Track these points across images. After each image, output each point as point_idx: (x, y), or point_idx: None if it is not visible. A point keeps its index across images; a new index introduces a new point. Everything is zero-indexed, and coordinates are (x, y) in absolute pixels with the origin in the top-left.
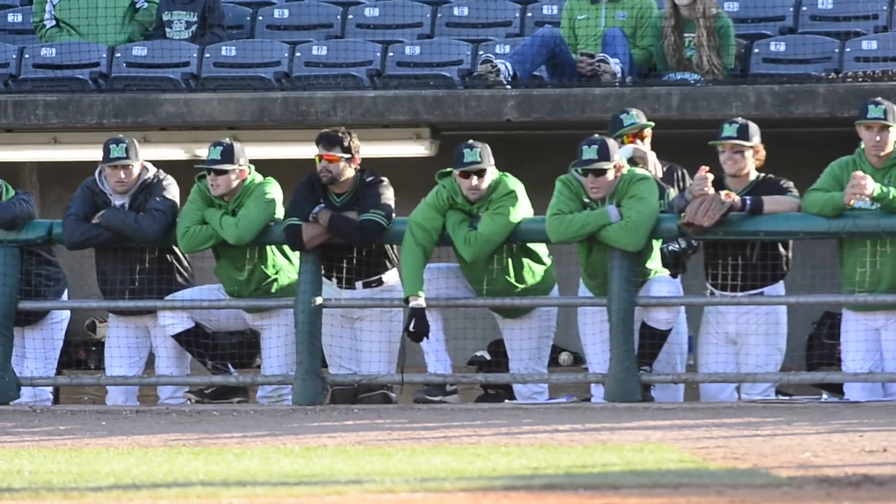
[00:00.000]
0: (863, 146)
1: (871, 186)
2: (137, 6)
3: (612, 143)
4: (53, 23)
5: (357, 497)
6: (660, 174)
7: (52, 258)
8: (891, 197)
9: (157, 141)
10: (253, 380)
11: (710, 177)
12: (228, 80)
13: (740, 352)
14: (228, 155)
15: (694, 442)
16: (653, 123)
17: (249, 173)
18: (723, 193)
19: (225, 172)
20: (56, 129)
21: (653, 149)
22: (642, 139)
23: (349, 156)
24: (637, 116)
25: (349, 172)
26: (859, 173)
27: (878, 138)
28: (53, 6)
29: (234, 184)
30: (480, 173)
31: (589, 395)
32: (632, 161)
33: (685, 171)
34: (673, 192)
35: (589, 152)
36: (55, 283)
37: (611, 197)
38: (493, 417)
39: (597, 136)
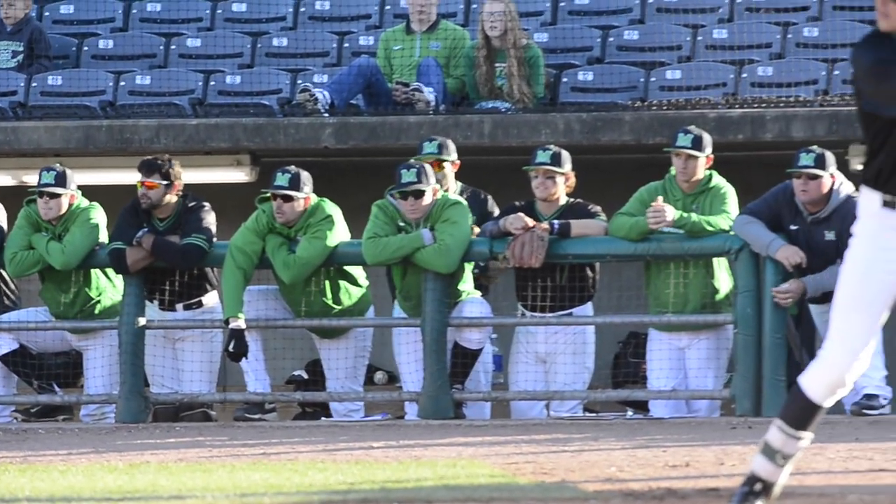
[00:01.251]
0: (673, 172)
1: (672, 214)
2: None
3: (428, 168)
4: None
5: None
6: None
7: None
8: (692, 221)
9: None
10: (78, 399)
11: (530, 221)
12: (55, 109)
13: (549, 370)
14: (61, 179)
15: (504, 457)
16: (452, 158)
17: (77, 198)
18: (537, 228)
19: (58, 196)
20: None
21: (463, 175)
22: (440, 169)
23: (168, 182)
24: (442, 148)
25: (169, 198)
26: (658, 201)
27: (684, 166)
28: None
29: (65, 208)
30: (286, 198)
31: (403, 412)
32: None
33: (489, 195)
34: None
35: (408, 175)
36: None
37: (425, 221)
38: (310, 435)
39: (413, 161)
